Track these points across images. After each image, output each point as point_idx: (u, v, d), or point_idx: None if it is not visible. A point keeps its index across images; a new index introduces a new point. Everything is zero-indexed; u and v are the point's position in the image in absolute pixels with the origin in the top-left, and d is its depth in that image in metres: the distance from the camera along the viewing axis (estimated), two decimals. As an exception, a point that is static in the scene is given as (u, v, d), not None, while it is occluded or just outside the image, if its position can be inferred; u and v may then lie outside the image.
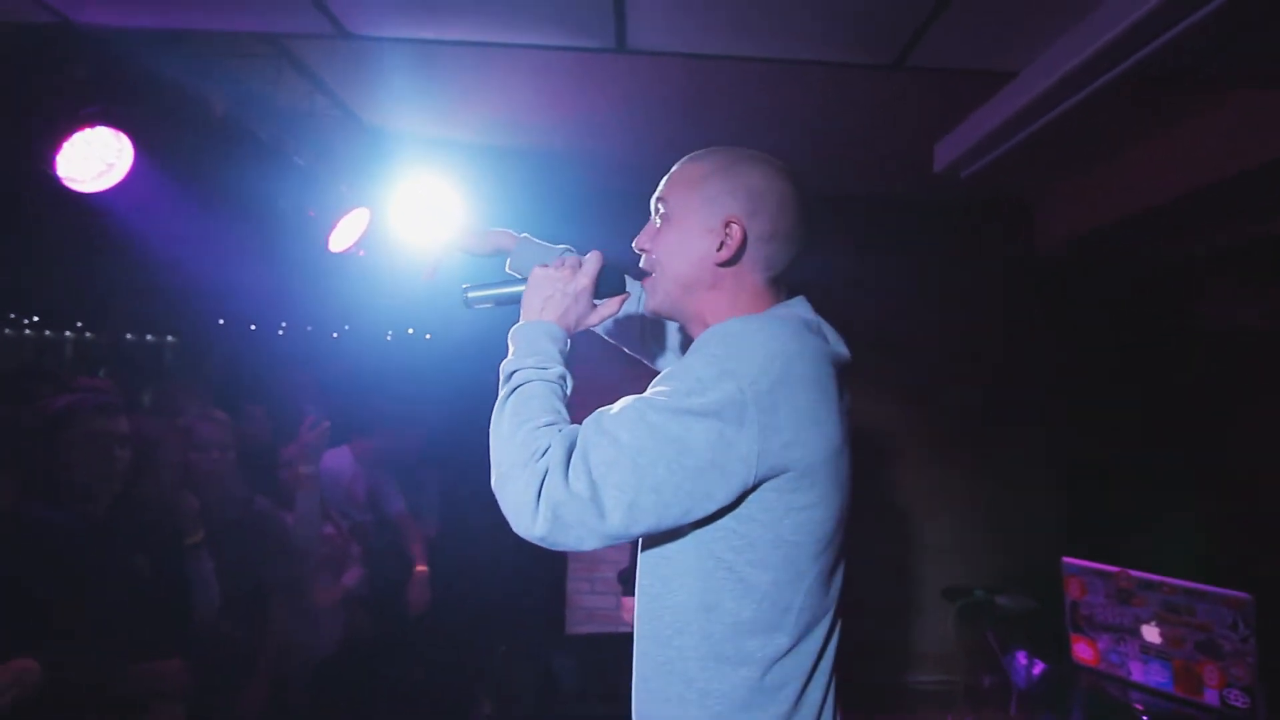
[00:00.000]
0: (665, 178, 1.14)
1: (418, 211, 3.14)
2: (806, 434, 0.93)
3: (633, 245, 1.17)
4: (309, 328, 6.05)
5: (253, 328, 5.95)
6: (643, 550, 1.10)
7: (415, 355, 5.39)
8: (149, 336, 7.36)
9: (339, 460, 3.08)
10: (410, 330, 5.74)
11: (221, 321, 5.61)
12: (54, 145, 2.06)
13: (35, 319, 7.17)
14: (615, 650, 3.63)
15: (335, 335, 6.28)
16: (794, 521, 0.95)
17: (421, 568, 3.16)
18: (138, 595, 1.83)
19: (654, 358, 1.45)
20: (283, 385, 3.62)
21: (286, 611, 2.60)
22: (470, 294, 1.20)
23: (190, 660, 2.02)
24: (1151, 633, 1.73)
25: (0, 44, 1.93)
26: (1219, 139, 2.61)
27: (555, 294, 1.11)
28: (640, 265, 1.17)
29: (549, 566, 3.91)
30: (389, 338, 6.11)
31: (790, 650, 0.97)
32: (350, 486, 3.11)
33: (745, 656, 0.97)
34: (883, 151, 3.07)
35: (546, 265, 1.15)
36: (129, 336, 7.57)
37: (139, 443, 2.06)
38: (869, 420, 3.81)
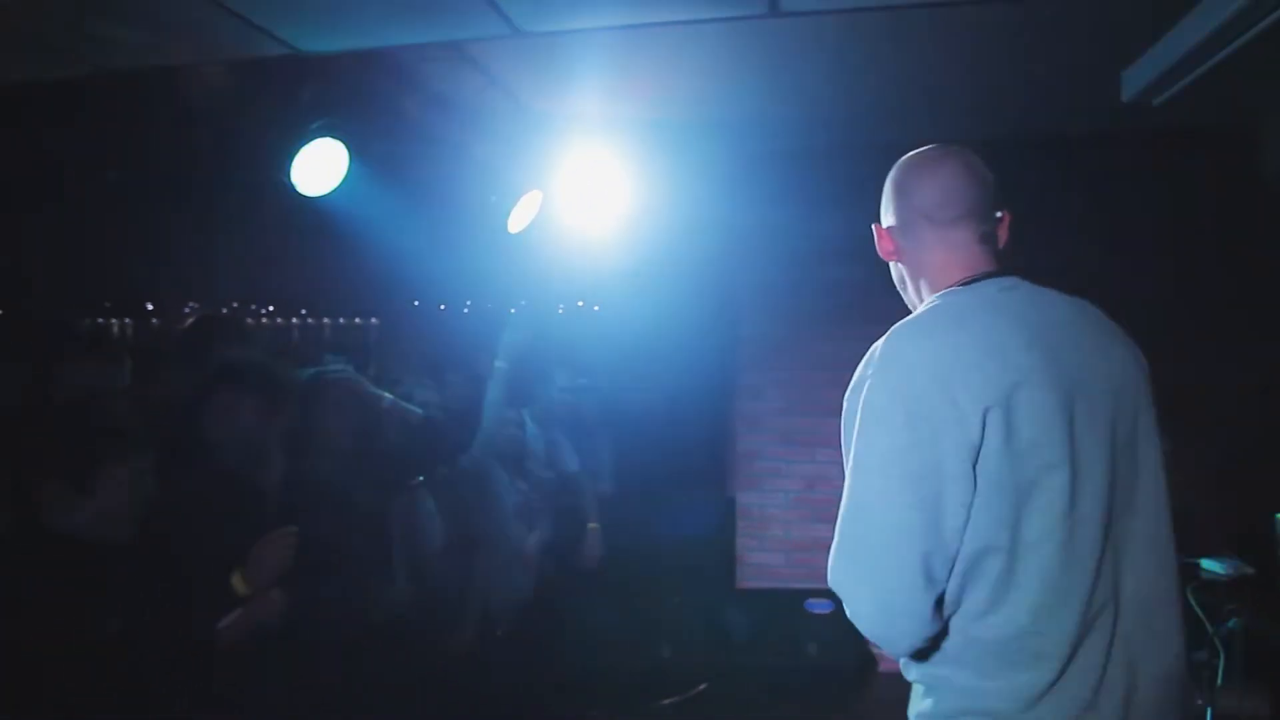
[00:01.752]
0: None
1: (585, 190, 3.35)
2: None
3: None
4: (489, 304, 6.58)
5: (441, 307, 6.57)
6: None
7: (586, 324, 5.70)
8: (357, 319, 8.32)
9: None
10: (580, 303, 6.09)
11: (416, 303, 6.25)
12: (288, 157, 2.45)
13: (270, 308, 8.31)
14: (782, 604, 3.74)
15: (513, 310, 6.76)
16: None
17: (594, 524, 3.41)
18: (374, 530, 2.19)
19: None
20: (475, 358, 4.01)
21: (491, 557, 2.94)
22: None
23: (414, 591, 2.38)
24: None
25: (241, 73, 2.31)
26: None
27: None
28: None
29: (719, 524, 4.07)
30: (561, 311, 6.51)
31: None
32: (531, 446, 3.40)
33: None
34: (1063, 85, 2.85)
35: None
36: (341, 320, 8.59)
37: (369, 406, 2.42)
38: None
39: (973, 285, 1.12)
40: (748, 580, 3.96)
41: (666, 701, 3.41)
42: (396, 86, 2.63)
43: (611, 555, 3.46)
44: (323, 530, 1.88)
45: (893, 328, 1.12)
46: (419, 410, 2.66)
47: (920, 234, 1.18)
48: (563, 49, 2.51)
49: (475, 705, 2.54)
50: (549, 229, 3.55)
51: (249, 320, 8.48)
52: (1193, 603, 2.14)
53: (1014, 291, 1.11)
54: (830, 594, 3.61)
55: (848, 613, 1.05)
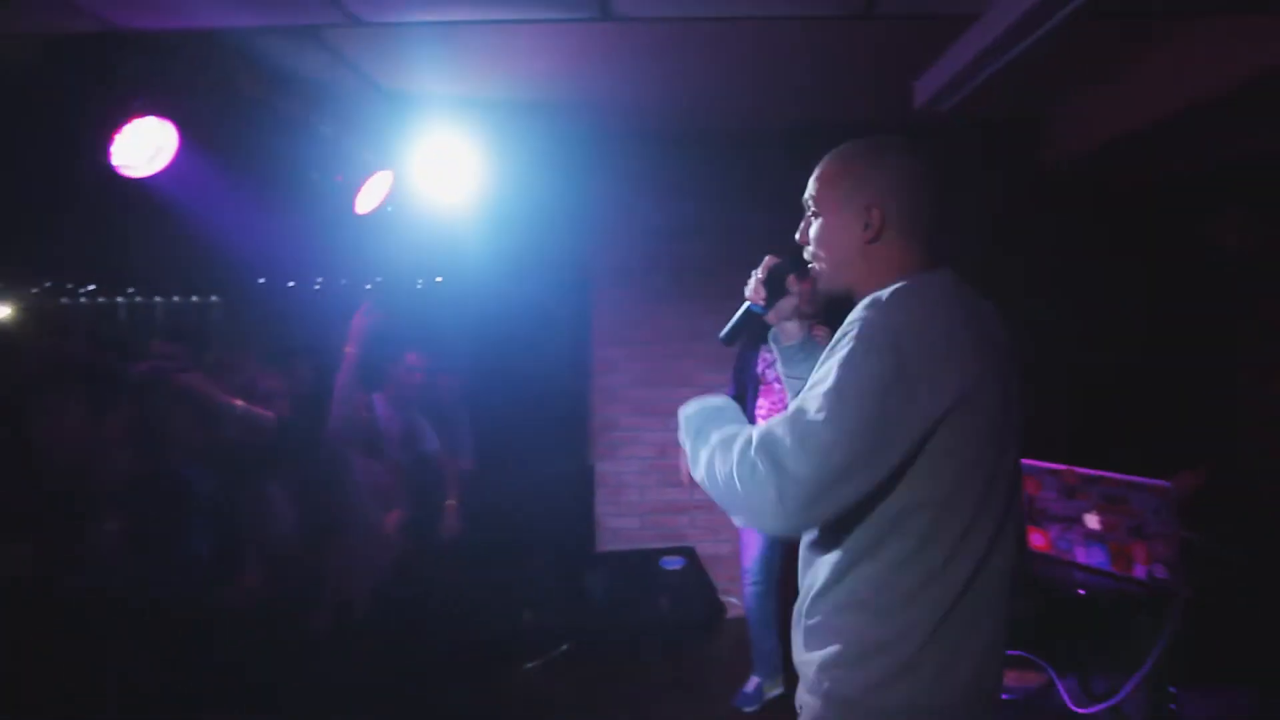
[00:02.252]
0: (812, 177, 1.29)
1: (439, 169, 3.36)
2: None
3: (796, 239, 1.34)
4: (343, 281, 6.35)
5: (290, 284, 6.28)
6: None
7: (442, 302, 5.65)
8: (194, 298, 7.74)
9: (376, 406, 3.39)
10: (439, 279, 6.01)
11: (262, 281, 5.94)
12: (107, 137, 2.32)
13: (92, 287, 7.58)
14: (637, 565, 3.98)
15: (368, 287, 6.57)
16: None
17: (451, 501, 3.48)
18: (224, 524, 2.18)
19: None
20: (324, 343, 3.92)
21: (345, 541, 2.96)
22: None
23: (268, 580, 2.39)
24: (1092, 520, 1.97)
25: (52, 51, 2.17)
26: (1212, 52, 2.65)
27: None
28: (805, 256, 1.33)
29: (576, 493, 4.25)
30: (419, 285, 6.39)
31: None
32: (386, 428, 3.41)
33: None
34: (865, 94, 3.20)
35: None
36: (175, 299, 7.96)
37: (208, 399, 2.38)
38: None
39: (937, 272, 1.20)
40: (606, 544, 4.18)
41: (530, 665, 3.57)
42: (232, 64, 2.54)
43: (475, 529, 3.56)
44: (164, 524, 1.87)
45: (894, 294, 1.13)
46: (270, 415, 2.62)
47: (914, 227, 1.23)
48: (412, 33, 2.52)
49: (333, 687, 2.59)
50: (403, 207, 3.53)
51: (64, 300, 7.69)
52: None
53: (960, 284, 1.19)
54: (682, 552, 3.88)
55: (737, 491, 1.11)
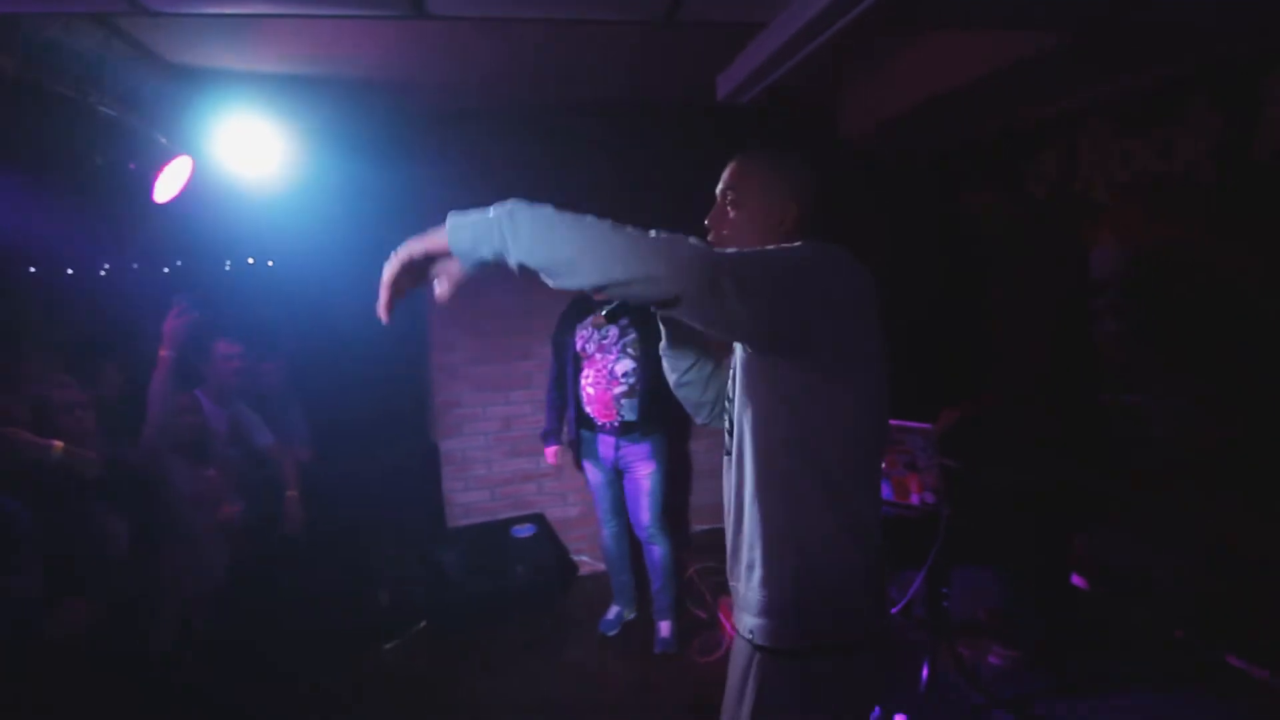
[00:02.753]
0: (728, 172, 1.52)
1: (242, 151, 3.17)
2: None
3: (705, 223, 1.52)
4: (134, 265, 5.77)
5: (69, 272, 5.62)
6: None
7: (259, 285, 5.31)
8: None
9: (202, 403, 3.21)
10: (251, 260, 5.62)
11: (33, 270, 5.28)
12: None
13: None
14: (490, 536, 4.10)
15: (165, 270, 6.02)
16: None
17: (291, 492, 3.40)
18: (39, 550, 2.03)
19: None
20: (129, 335, 3.61)
21: (172, 549, 2.82)
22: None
23: (102, 601, 2.26)
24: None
25: None
26: (970, 47, 3.08)
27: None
28: (709, 240, 1.49)
29: (423, 473, 4.26)
30: (228, 267, 5.94)
31: None
32: (212, 427, 3.25)
33: None
34: (672, 84, 3.41)
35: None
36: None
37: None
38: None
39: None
40: (457, 519, 4.25)
41: (389, 645, 3.61)
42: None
43: (322, 518, 3.50)
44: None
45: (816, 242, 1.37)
46: (92, 456, 2.43)
47: (805, 225, 1.48)
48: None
49: (182, 706, 2.52)
50: (207, 191, 3.30)
51: None
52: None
53: None
54: (532, 519, 4.03)
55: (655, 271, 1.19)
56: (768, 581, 1.35)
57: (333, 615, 3.52)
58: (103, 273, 5.86)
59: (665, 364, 1.69)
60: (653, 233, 1.22)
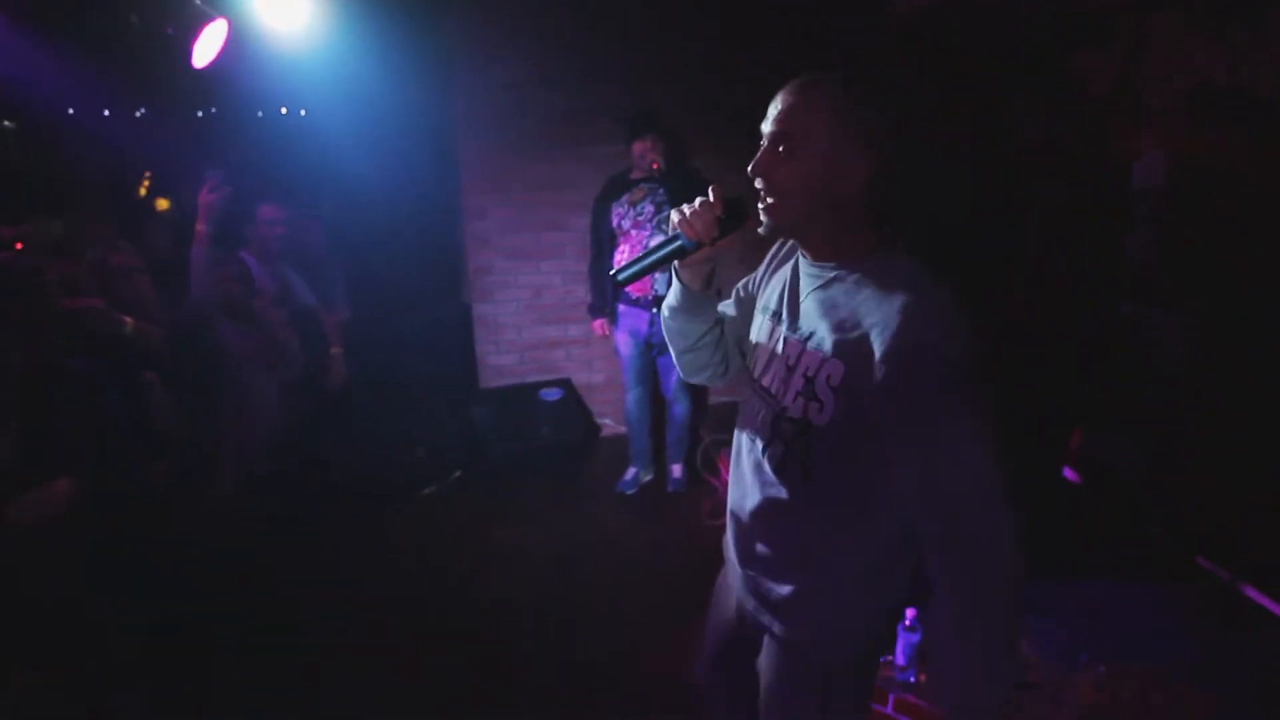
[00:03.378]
0: (782, 104, 1.18)
1: (276, 9, 3.10)
2: None
3: (749, 170, 1.21)
4: (169, 109, 5.75)
5: (106, 113, 5.64)
6: None
7: (292, 137, 5.30)
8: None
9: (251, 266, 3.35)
10: (284, 110, 5.57)
11: (72, 111, 5.30)
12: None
13: None
14: (519, 397, 4.35)
15: (199, 115, 6.00)
16: None
17: (335, 349, 3.61)
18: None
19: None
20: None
21: (227, 406, 3.08)
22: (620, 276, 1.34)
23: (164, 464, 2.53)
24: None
25: None
26: None
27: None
28: (759, 187, 1.21)
29: (457, 335, 4.46)
30: (260, 116, 5.90)
31: None
32: (260, 287, 3.40)
33: None
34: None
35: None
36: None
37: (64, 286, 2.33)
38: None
39: (892, 249, 1.22)
40: (489, 380, 4.50)
41: (427, 491, 3.97)
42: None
43: (361, 375, 3.74)
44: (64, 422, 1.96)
45: (938, 296, 1.14)
46: (157, 331, 2.58)
47: (878, 178, 1.18)
48: None
49: (243, 543, 2.86)
50: (239, 43, 3.26)
51: None
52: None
53: None
54: (559, 383, 4.25)
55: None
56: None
57: (375, 465, 3.85)
58: (138, 114, 5.86)
59: (670, 329, 1.45)
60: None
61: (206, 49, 2.92)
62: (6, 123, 6.68)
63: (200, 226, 2.78)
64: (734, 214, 1.26)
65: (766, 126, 1.20)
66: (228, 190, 2.79)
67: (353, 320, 3.92)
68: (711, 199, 1.26)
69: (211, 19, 2.87)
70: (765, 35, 4.04)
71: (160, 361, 2.59)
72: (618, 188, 3.49)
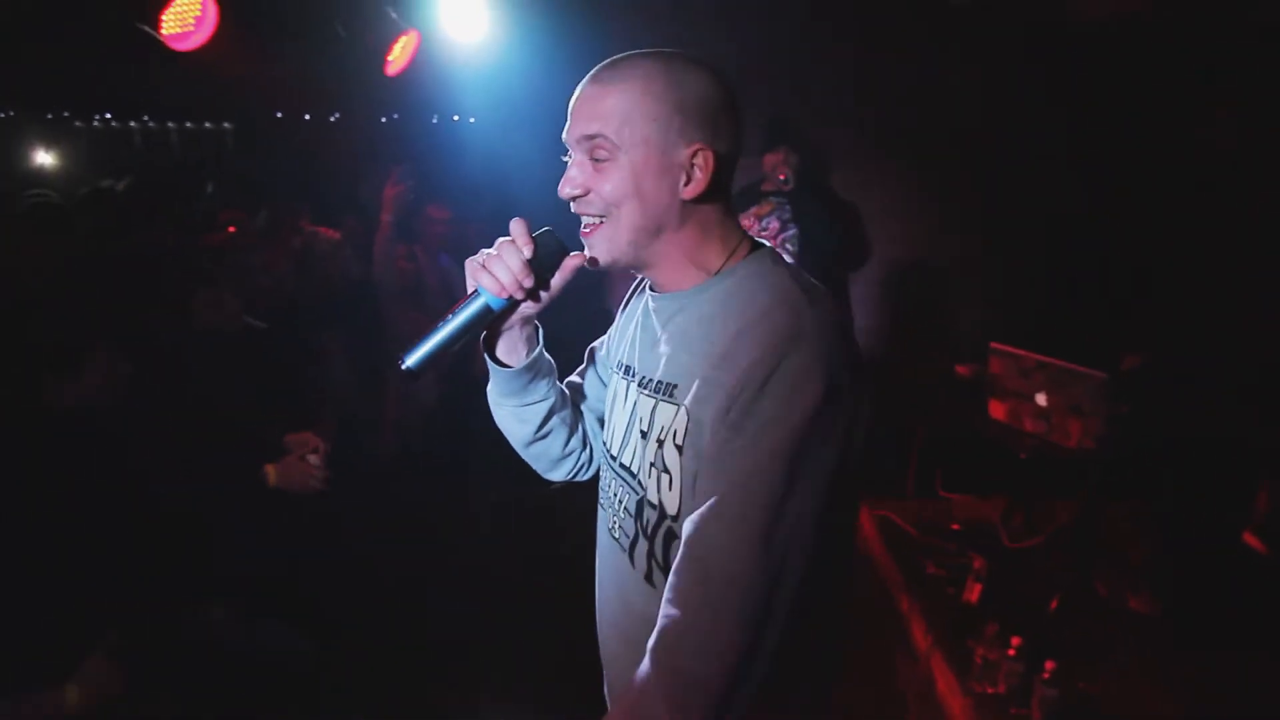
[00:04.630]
0: (581, 103, 0.93)
1: (457, 19, 3.37)
2: None
3: (560, 193, 0.97)
4: (358, 114, 6.34)
5: (306, 117, 6.30)
6: None
7: (461, 142, 5.70)
8: (207, 124, 7.72)
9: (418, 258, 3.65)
10: (455, 118, 6.00)
11: (280, 115, 5.97)
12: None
13: (107, 114, 7.55)
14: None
15: (383, 120, 6.58)
16: None
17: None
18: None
19: None
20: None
21: (392, 379, 3.36)
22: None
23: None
24: (1041, 399, 2.33)
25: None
26: None
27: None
28: (577, 211, 0.97)
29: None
30: (434, 121, 6.39)
31: None
32: (425, 280, 3.69)
33: None
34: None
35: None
36: (189, 125, 7.94)
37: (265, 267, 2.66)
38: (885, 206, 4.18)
39: (761, 253, 0.98)
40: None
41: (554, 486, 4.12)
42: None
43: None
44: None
45: (799, 308, 0.88)
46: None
47: (727, 176, 0.95)
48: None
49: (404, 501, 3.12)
50: (425, 57, 3.57)
51: (78, 123, 7.69)
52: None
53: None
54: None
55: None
56: None
57: (509, 452, 4.04)
58: (332, 119, 6.51)
59: (501, 420, 1.21)
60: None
61: (399, 58, 3.22)
62: (225, 124, 7.64)
63: (385, 217, 3.06)
64: (549, 251, 0.98)
65: (568, 134, 0.95)
66: (410, 185, 3.06)
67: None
68: (515, 236, 0.98)
69: (406, 31, 3.16)
70: (905, 47, 3.90)
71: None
72: (745, 199, 3.43)
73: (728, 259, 0.97)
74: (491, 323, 1.02)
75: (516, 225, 0.99)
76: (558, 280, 1.03)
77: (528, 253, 0.98)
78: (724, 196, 0.97)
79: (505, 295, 0.98)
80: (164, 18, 2.40)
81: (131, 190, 3.31)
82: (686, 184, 0.92)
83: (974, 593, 2.76)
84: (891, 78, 3.80)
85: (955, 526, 2.60)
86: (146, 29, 2.47)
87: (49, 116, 6.78)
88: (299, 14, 3.16)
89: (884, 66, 3.91)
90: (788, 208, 3.36)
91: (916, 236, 4.24)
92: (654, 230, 0.94)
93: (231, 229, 2.90)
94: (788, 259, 3.14)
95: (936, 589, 2.85)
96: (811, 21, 3.95)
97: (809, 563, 0.81)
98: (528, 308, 1.04)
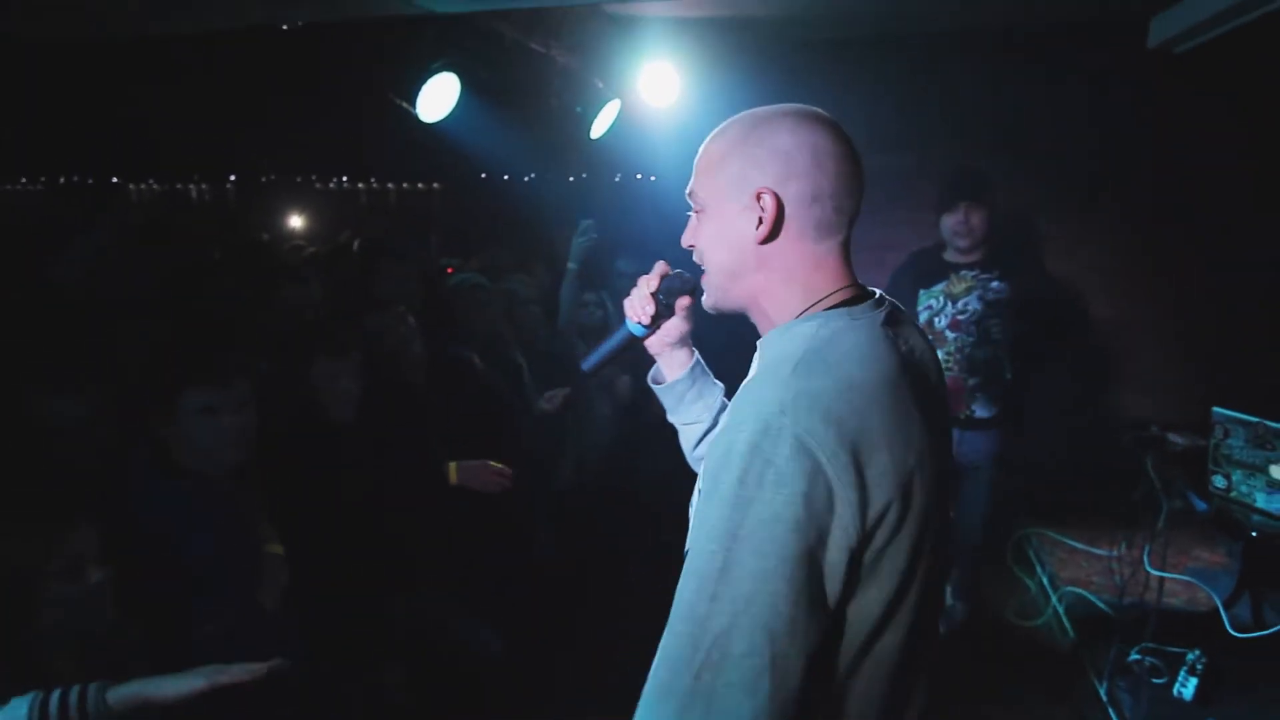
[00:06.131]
0: (695, 162, 1.02)
1: (651, 87, 3.66)
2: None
3: (681, 244, 1.07)
4: (549, 175, 6.92)
5: (505, 177, 6.96)
6: None
7: (645, 201, 6.07)
8: (420, 185, 8.72)
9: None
10: (639, 176, 6.41)
11: (484, 176, 6.64)
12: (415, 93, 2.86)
13: (343, 178, 8.73)
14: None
15: (570, 180, 7.13)
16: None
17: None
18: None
19: None
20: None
21: (574, 412, 3.60)
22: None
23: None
24: (1277, 471, 2.10)
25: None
26: None
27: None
28: (696, 261, 1.06)
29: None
30: (617, 179, 6.84)
31: None
32: (609, 323, 3.94)
33: None
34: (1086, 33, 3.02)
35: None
36: (405, 185, 8.98)
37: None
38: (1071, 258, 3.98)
39: (858, 309, 0.94)
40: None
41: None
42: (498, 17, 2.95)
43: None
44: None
45: (791, 369, 0.86)
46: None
47: (821, 221, 0.95)
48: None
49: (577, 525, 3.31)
50: (623, 122, 3.88)
51: (317, 185, 8.93)
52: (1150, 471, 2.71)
53: (892, 324, 0.95)
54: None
55: None
56: None
57: (674, 493, 4.15)
58: (527, 179, 7.15)
59: (680, 436, 1.32)
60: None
61: (602, 123, 3.54)
62: (435, 185, 8.61)
63: (571, 264, 3.33)
64: (669, 289, 1.16)
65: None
66: (595, 236, 3.32)
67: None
68: (650, 275, 1.17)
69: (610, 100, 3.48)
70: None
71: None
72: (931, 270, 2.91)
73: (810, 306, 0.96)
74: (642, 346, 1.23)
75: (657, 266, 1.17)
76: (678, 314, 1.20)
77: (653, 286, 1.16)
78: (810, 239, 0.96)
79: (636, 320, 1.17)
80: (421, 95, 2.81)
81: (370, 242, 3.83)
82: (758, 227, 0.95)
83: (1190, 687, 2.49)
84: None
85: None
86: (405, 104, 2.90)
87: (298, 180, 8.03)
88: (520, 86, 3.57)
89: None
90: (995, 286, 2.79)
91: (1119, 288, 4.01)
92: (735, 274, 0.99)
93: (450, 270, 3.29)
94: (988, 349, 2.84)
95: (1142, 679, 2.59)
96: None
97: (769, 645, 0.75)
98: (667, 335, 1.22)
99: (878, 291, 0.99)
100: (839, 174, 0.95)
